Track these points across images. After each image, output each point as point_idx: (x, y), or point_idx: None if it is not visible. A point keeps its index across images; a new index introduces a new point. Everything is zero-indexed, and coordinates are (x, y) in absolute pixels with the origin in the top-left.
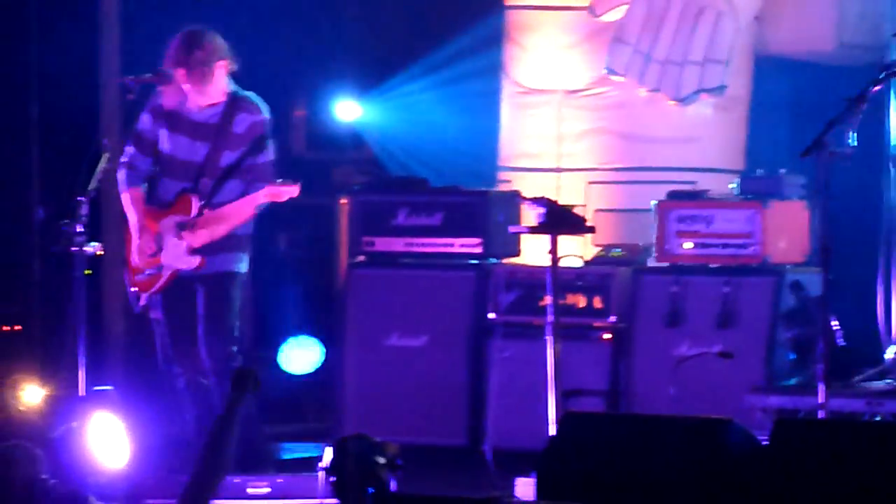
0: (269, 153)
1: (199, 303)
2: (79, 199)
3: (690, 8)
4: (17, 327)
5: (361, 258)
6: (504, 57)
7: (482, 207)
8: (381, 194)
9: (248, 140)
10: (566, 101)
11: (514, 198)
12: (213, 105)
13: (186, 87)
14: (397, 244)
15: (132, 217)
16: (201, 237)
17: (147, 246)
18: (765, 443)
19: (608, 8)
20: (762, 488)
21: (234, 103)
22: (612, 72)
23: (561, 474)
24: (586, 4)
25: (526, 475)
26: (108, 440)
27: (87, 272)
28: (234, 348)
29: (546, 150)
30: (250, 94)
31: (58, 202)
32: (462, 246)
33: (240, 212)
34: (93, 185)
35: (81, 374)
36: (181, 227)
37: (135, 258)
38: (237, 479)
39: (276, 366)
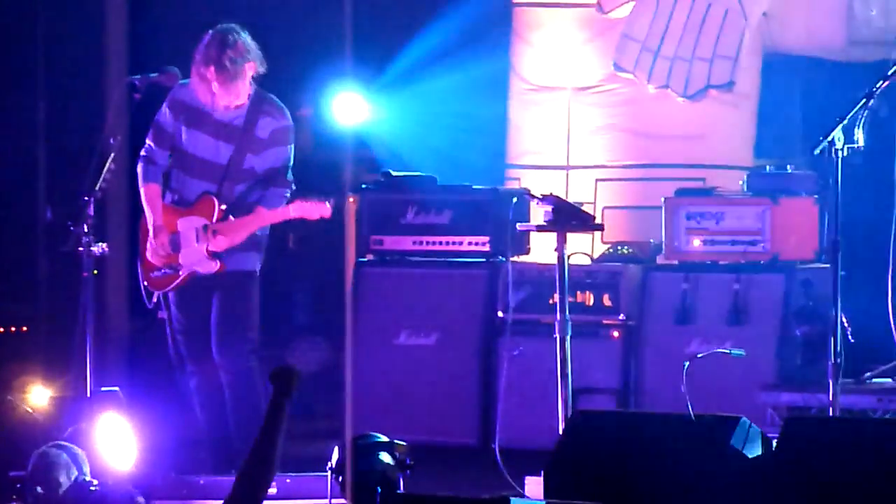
0: (289, 157)
1: (215, 301)
2: (85, 199)
3: (698, 4)
4: (23, 328)
5: (370, 257)
6: (511, 53)
7: (491, 205)
8: (389, 193)
9: (270, 145)
10: (575, 98)
11: (523, 195)
12: (238, 106)
13: (214, 85)
14: (406, 243)
15: (149, 214)
16: (222, 243)
17: (162, 246)
18: (775, 440)
19: (616, 5)
20: (772, 486)
21: (257, 106)
22: (619, 68)
23: (570, 473)
24: (594, 1)
25: (535, 474)
26: (115, 441)
27: (93, 273)
28: (248, 347)
29: (555, 148)
30: (273, 98)
31: (65, 202)
32: (471, 244)
33: (263, 221)
34: (99, 185)
35: (88, 375)
36: (202, 231)
37: (150, 256)
38: None
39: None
